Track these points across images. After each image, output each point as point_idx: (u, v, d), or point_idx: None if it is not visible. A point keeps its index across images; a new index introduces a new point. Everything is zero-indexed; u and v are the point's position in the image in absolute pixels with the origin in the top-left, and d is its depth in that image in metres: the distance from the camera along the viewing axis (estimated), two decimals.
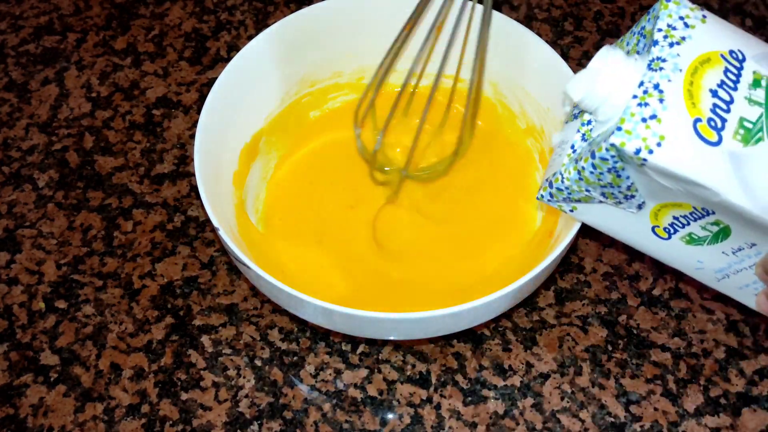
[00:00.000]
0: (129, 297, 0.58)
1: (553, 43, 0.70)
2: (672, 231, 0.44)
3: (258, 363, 0.55)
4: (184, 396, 0.54)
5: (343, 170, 0.60)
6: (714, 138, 0.39)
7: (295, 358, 0.56)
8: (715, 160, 0.39)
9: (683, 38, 0.41)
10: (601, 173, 0.42)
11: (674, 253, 0.46)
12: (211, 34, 0.72)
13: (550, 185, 0.46)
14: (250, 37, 0.59)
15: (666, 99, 0.39)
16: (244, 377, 0.55)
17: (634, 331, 0.57)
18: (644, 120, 0.39)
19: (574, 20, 0.73)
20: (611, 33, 0.72)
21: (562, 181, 0.45)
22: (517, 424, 0.53)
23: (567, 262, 0.60)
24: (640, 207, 0.44)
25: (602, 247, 0.60)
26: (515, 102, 0.61)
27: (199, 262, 0.59)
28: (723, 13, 0.74)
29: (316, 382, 0.55)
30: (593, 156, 0.41)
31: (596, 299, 0.58)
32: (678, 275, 0.59)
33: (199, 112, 0.55)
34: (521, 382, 0.55)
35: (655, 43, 0.41)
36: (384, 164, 0.59)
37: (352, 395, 0.54)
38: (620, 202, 0.44)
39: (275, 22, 0.58)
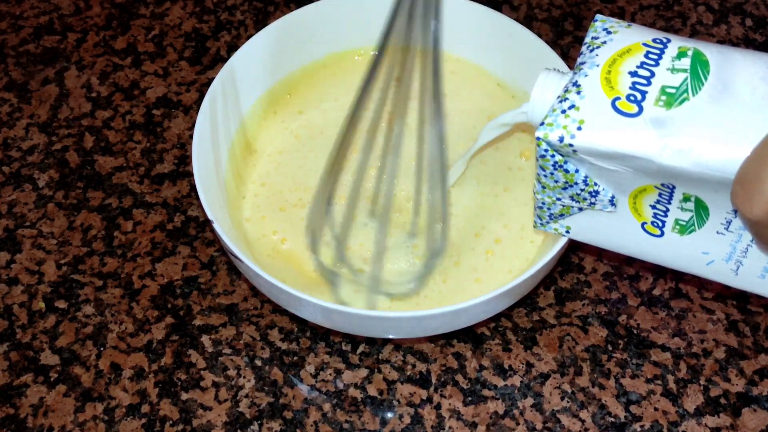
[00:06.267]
0: (129, 297, 0.58)
1: (553, 43, 0.70)
2: (660, 224, 0.44)
3: (258, 363, 0.55)
4: (184, 396, 0.54)
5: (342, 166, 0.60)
6: (634, 110, 0.41)
7: (295, 358, 0.56)
8: (637, 128, 0.40)
9: (604, 42, 0.44)
10: (552, 173, 0.44)
11: (677, 250, 0.46)
12: (211, 34, 0.72)
13: (535, 209, 0.48)
14: (249, 37, 0.59)
15: (583, 90, 0.42)
16: (244, 377, 0.55)
17: (634, 331, 0.57)
18: (563, 111, 0.42)
19: (574, 20, 0.73)
20: None
21: (537, 199, 0.47)
22: (517, 424, 0.53)
23: (567, 262, 0.60)
24: (613, 203, 0.44)
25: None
26: (515, 103, 0.61)
27: (199, 262, 0.60)
28: (723, 13, 0.74)
29: (316, 382, 0.55)
30: (537, 159, 0.44)
31: (596, 299, 0.58)
32: (678, 275, 0.59)
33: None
34: (521, 382, 0.55)
35: (581, 54, 0.44)
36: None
37: (352, 395, 0.54)
38: (593, 203, 0.45)
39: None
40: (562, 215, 0.47)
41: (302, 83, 0.63)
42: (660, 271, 0.59)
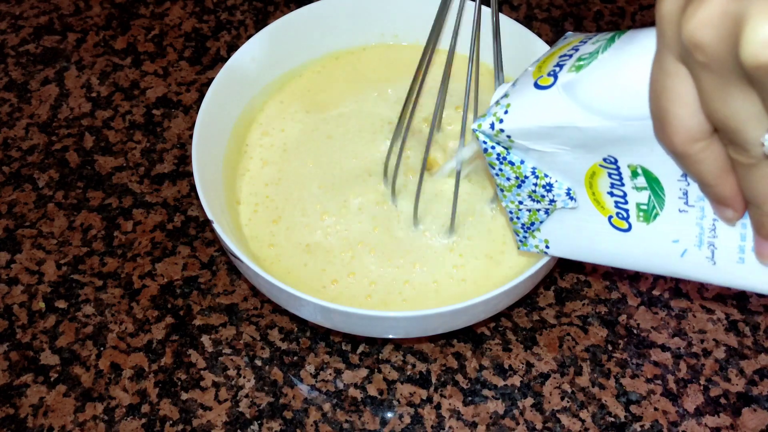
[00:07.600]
0: (129, 297, 0.58)
1: (552, 43, 0.69)
2: (624, 214, 0.43)
3: (258, 363, 0.55)
4: (184, 396, 0.54)
5: (341, 168, 0.60)
6: (550, 82, 0.41)
7: (295, 358, 0.56)
8: (552, 98, 0.40)
9: (556, 46, 0.44)
10: (501, 170, 0.44)
11: (649, 244, 0.43)
12: (211, 34, 0.72)
13: (511, 227, 0.49)
14: (249, 37, 0.59)
15: (517, 82, 0.43)
16: (244, 377, 0.55)
17: (634, 331, 0.57)
18: (497, 103, 0.42)
19: (574, 20, 0.73)
20: None
21: (505, 209, 0.47)
22: (517, 424, 0.53)
23: (567, 262, 0.60)
24: (571, 196, 0.44)
25: None
26: None
27: (199, 262, 0.60)
28: None
29: (316, 382, 0.55)
30: (485, 159, 0.44)
31: (596, 299, 0.58)
32: None
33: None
34: (521, 382, 0.55)
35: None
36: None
37: (352, 395, 0.54)
38: (553, 201, 0.45)
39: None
40: (533, 224, 0.47)
41: (301, 84, 0.63)
42: None
